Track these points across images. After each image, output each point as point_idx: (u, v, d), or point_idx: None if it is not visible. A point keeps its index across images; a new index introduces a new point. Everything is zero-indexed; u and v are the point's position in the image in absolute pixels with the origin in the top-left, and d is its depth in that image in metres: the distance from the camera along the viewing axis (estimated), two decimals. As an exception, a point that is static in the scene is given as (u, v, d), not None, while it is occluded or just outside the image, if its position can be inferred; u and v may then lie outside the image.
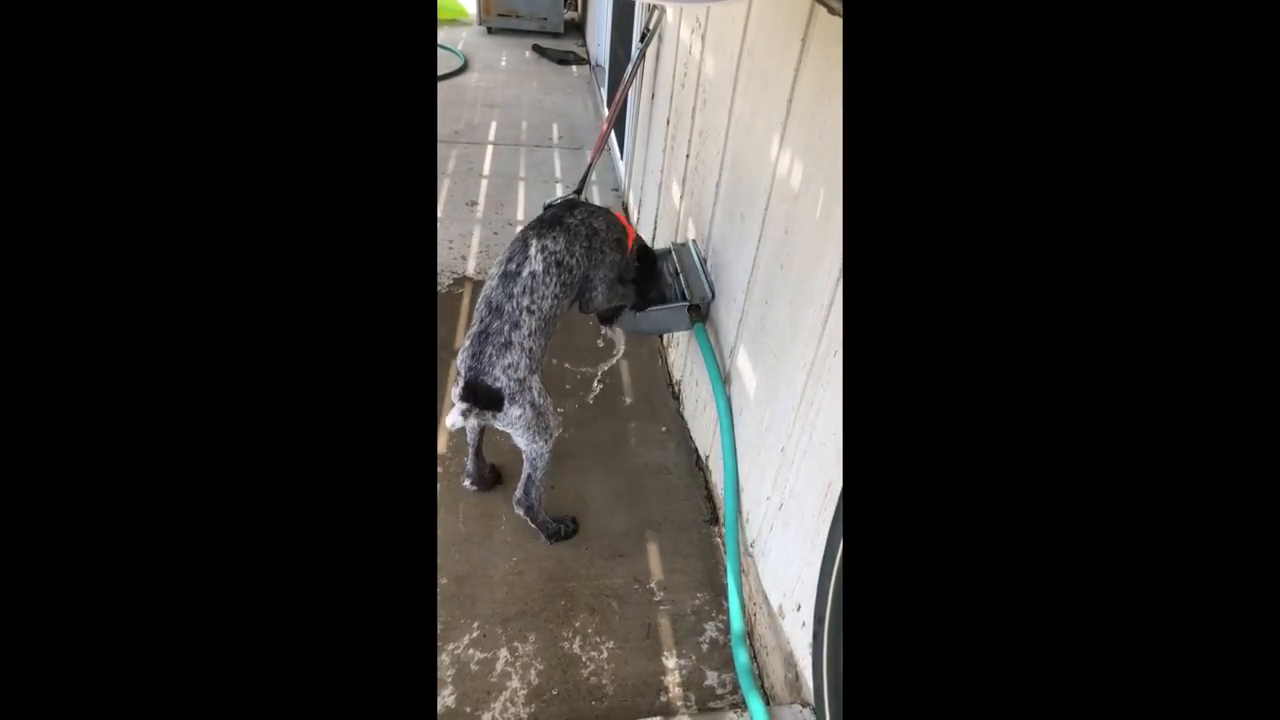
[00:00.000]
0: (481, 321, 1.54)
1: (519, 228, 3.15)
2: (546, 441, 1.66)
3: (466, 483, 1.93)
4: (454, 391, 1.55)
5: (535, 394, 1.58)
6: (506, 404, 1.54)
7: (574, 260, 1.60)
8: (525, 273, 1.54)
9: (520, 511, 1.77)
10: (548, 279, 1.54)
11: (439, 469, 2.01)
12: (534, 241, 1.57)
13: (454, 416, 1.50)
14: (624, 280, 1.89)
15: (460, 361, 1.57)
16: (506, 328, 1.51)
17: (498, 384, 1.52)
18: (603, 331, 2.46)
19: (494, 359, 1.51)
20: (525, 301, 1.52)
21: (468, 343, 1.56)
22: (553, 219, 1.63)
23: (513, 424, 1.59)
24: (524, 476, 1.73)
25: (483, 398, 1.52)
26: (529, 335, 1.53)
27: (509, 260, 1.58)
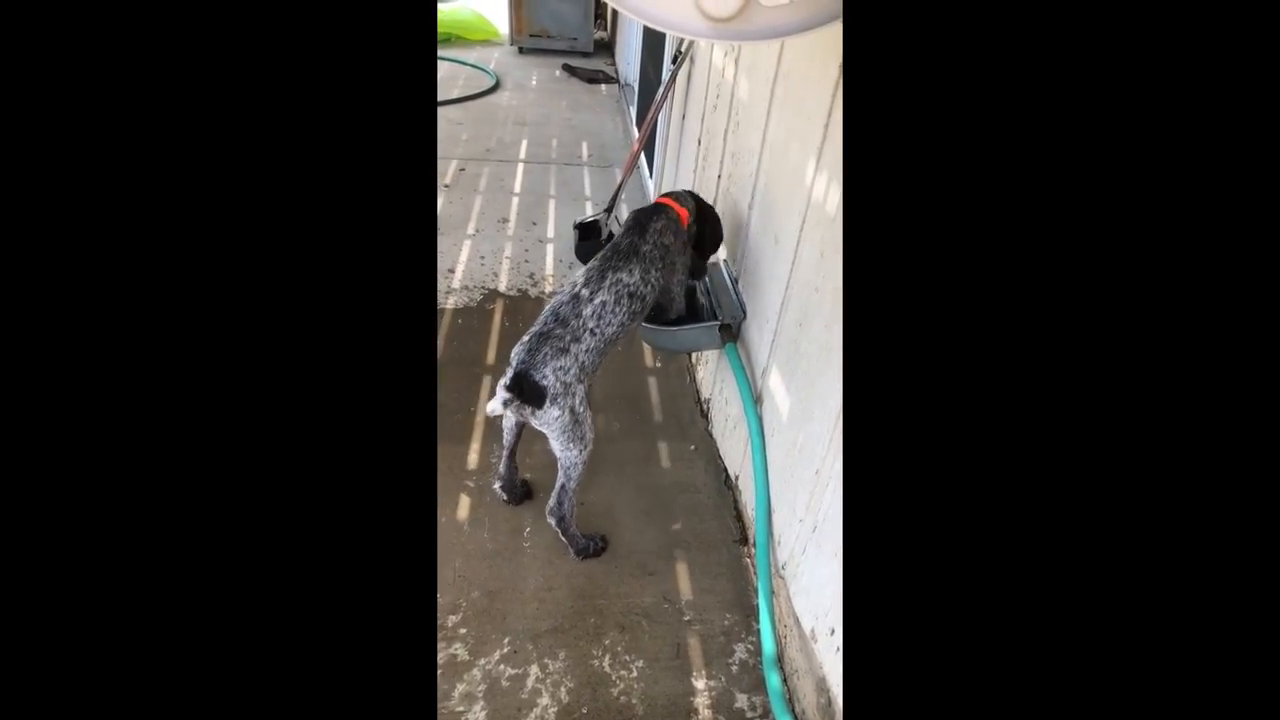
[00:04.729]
0: (545, 324, 1.63)
1: (549, 245, 3.22)
2: (581, 451, 1.69)
3: (496, 485, 1.94)
4: (502, 381, 1.59)
5: (577, 401, 1.63)
6: (548, 403, 1.59)
7: (648, 287, 1.70)
8: (597, 300, 1.63)
9: (552, 521, 1.78)
10: (618, 309, 1.65)
11: (469, 483, 2.03)
12: (609, 274, 1.67)
13: (494, 404, 1.56)
14: (694, 274, 2.06)
15: (514, 354, 1.63)
16: (568, 337, 1.59)
17: (545, 381, 1.57)
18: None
19: (548, 359, 1.58)
20: (591, 324, 1.62)
21: (526, 339, 1.62)
22: (629, 249, 1.71)
23: (549, 424, 1.63)
24: (557, 486, 1.75)
25: (527, 391, 1.58)
26: (586, 350, 1.61)
27: (584, 284, 1.66)
